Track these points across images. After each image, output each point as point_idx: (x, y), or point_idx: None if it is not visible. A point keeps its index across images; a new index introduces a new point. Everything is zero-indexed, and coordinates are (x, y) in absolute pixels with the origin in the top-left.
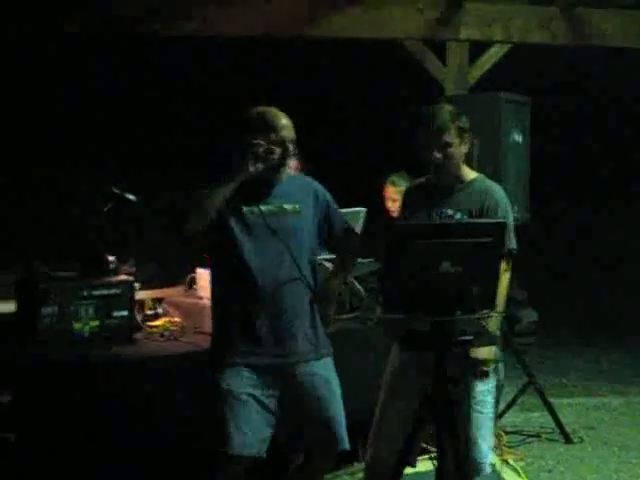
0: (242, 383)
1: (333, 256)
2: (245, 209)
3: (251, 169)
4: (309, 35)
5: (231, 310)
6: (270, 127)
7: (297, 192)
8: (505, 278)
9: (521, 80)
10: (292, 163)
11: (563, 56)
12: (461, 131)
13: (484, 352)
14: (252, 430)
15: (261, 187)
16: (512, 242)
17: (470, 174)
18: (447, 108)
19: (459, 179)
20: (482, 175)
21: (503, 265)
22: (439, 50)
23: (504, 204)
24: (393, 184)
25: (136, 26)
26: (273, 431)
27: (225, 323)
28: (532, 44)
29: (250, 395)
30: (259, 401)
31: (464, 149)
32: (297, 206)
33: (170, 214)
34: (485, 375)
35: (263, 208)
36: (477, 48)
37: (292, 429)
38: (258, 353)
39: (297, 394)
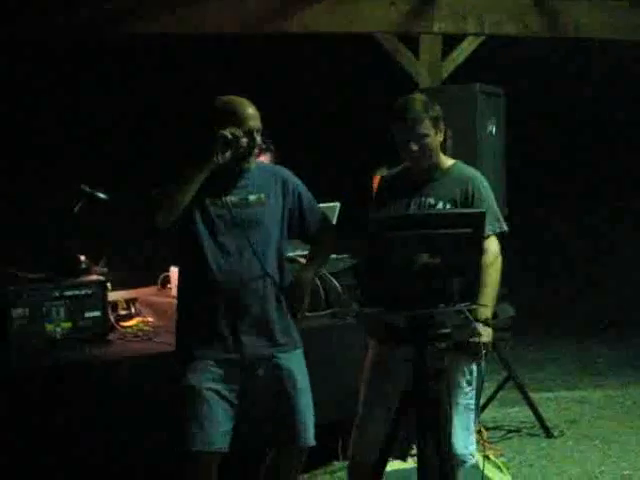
0: (203, 378)
1: (306, 252)
2: (208, 201)
3: (219, 158)
4: (281, 30)
5: (193, 304)
6: (237, 116)
7: (264, 182)
8: (498, 261)
9: (494, 72)
10: (264, 157)
11: (538, 48)
12: (435, 120)
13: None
14: (214, 425)
15: (226, 178)
16: (502, 224)
17: (447, 162)
18: (419, 98)
19: (437, 167)
20: (459, 161)
21: (496, 248)
22: (412, 43)
23: (486, 188)
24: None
25: (107, 26)
26: (235, 423)
27: (187, 318)
28: (505, 36)
29: (211, 390)
30: (220, 395)
31: (439, 138)
32: (262, 196)
33: (138, 206)
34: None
35: (226, 200)
36: (450, 41)
37: (257, 424)
38: (219, 348)
39: (259, 388)
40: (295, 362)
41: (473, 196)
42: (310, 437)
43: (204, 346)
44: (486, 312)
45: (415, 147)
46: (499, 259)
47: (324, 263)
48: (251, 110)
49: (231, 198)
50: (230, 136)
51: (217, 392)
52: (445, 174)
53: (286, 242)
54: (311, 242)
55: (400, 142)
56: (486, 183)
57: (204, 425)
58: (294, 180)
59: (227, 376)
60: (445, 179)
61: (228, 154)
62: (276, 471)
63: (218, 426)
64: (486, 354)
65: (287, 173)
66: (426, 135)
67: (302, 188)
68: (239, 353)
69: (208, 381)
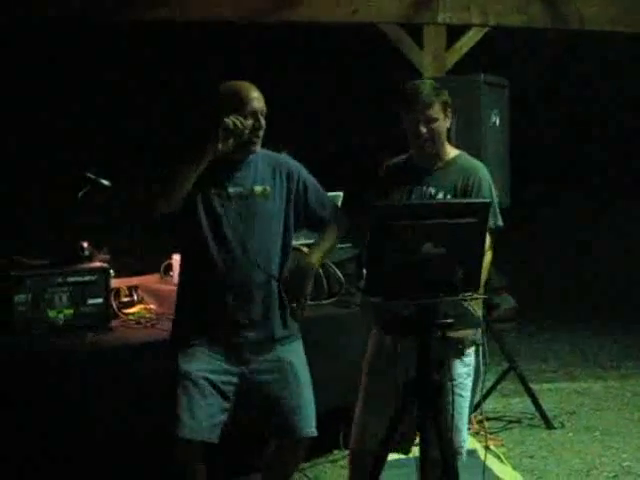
0: (200, 366)
1: (307, 241)
2: (213, 192)
3: (222, 145)
4: (285, 19)
5: (194, 295)
6: (241, 99)
7: (268, 172)
8: (488, 256)
9: (498, 64)
10: None
11: (542, 39)
12: (444, 105)
13: (462, 332)
14: (204, 415)
15: (230, 168)
16: (497, 219)
17: (451, 152)
18: (429, 83)
19: (440, 157)
20: (464, 152)
21: (487, 243)
22: (416, 34)
23: (487, 181)
24: None
25: (110, 12)
26: (226, 417)
27: (188, 307)
28: (509, 27)
29: (206, 379)
30: (215, 386)
31: (447, 124)
32: (267, 188)
33: (137, 194)
34: (460, 353)
35: (231, 191)
36: (454, 31)
37: (259, 415)
38: (219, 339)
39: (259, 380)
40: (295, 353)
41: (472, 188)
42: (312, 428)
43: (203, 336)
44: (475, 306)
45: (424, 130)
46: (489, 253)
47: (330, 250)
48: (255, 93)
49: (236, 189)
50: (232, 125)
51: (212, 383)
52: (448, 164)
53: (292, 234)
54: (320, 230)
55: (409, 126)
56: (488, 176)
57: (195, 413)
58: (299, 169)
59: (226, 369)
60: (448, 169)
61: (231, 142)
62: (277, 461)
63: (209, 416)
64: (463, 350)
65: (291, 162)
66: (436, 119)
67: (307, 177)
68: (239, 345)
69: (205, 371)
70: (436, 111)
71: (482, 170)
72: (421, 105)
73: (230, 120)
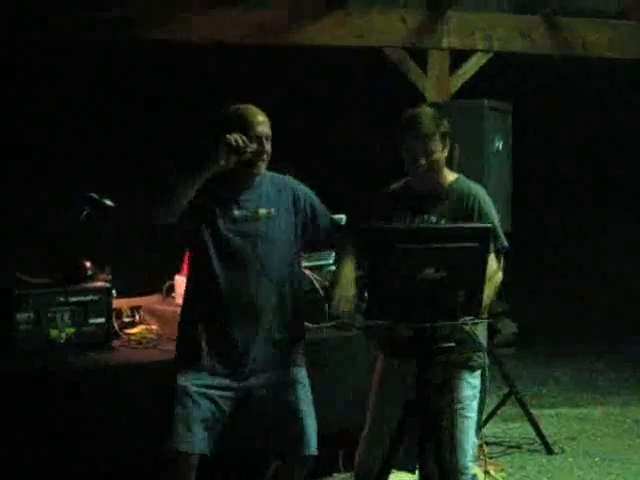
0: (198, 382)
1: (313, 263)
2: (218, 214)
3: (223, 161)
4: (290, 42)
5: (197, 314)
6: (246, 122)
7: (274, 194)
8: (498, 277)
9: (501, 88)
10: None
11: (545, 64)
12: (444, 136)
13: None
14: (201, 428)
15: (237, 189)
16: (502, 240)
17: (450, 177)
18: (430, 113)
19: (440, 183)
20: (462, 176)
21: (494, 264)
22: (421, 58)
23: (488, 203)
24: None
25: (108, 33)
26: (224, 430)
27: (190, 326)
28: (513, 53)
29: (203, 394)
30: (212, 400)
31: (445, 153)
32: (272, 210)
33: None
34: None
35: (236, 213)
36: (459, 56)
37: (258, 433)
38: (220, 361)
39: (256, 396)
40: (297, 375)
41: (473, 213)
42: (313, 447)
43: (205, 358)
44: (479, 329)
45: (424, 162)
46: (498, 275)
47: (354, 254)
48: (260, 117)
49: (241, 212)
50: (234, 142)
51: (210, 397)
52: (448, 191)
53: (299, 257)
54: (333, 244)
55: (409, 157)
56: (488, 199)
57: (191, 426)
58: (304, 192)
59: (225, 385)
60: (448, 196)
61: (232, 160)
62: None
63: (204, 429)
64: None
65: (298, 186)
66: (435, 151)
67: (314, 199)
68: (240, 367)
69: (202, 386)
70: (436, 143)
71: (482, 193)
72: (422, 137)
73: (232, 137)
